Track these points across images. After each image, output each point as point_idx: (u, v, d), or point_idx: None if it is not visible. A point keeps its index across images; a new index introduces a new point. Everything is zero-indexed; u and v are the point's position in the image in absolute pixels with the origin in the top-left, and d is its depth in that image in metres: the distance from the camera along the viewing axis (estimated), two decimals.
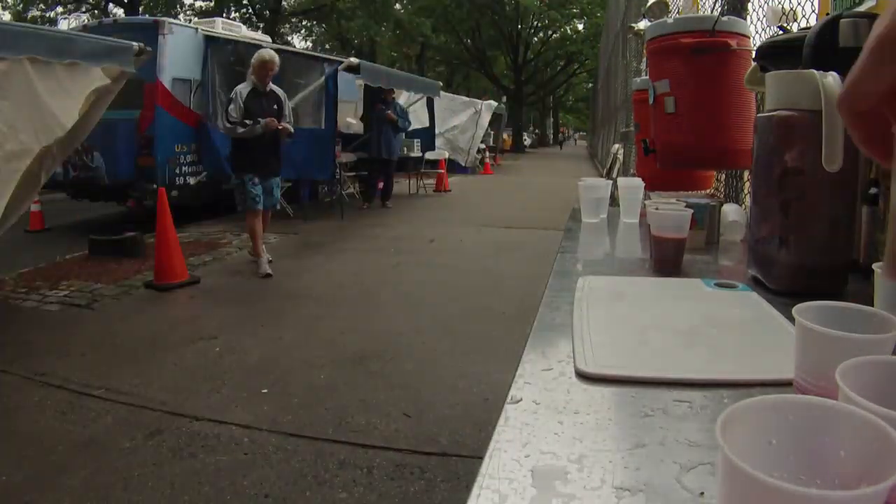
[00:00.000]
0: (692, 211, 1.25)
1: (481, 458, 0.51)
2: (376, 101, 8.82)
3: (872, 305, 0.69)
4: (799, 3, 1.71)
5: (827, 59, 1.03)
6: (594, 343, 0.77)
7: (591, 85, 38.17)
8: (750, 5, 2.13)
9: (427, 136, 11.23)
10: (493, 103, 16.18)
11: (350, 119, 9.36)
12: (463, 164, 15.13)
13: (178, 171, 7.27)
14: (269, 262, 5.16)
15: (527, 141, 39.14)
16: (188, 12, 23.27)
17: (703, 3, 2.80)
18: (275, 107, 5.00)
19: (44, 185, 4.18)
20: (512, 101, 33.27)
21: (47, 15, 21.11)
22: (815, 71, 0.92)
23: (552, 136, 54.29)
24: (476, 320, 3.91)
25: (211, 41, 7.63)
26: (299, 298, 4.41)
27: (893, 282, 0.40)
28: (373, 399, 2.76)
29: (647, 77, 2.11)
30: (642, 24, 3.13)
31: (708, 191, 2.44)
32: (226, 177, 7.67)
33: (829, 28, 1.06)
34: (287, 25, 26.54)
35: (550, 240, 2.33)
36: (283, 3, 24.71)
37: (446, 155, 12.80)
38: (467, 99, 16.13)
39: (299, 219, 7.75)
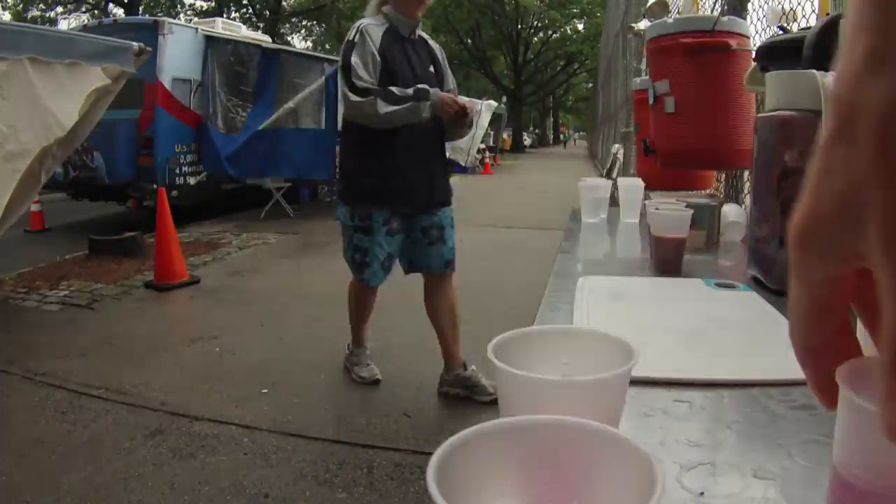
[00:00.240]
0: (692, 211, 1.25)
1: None
2: None
3: None
4: (799, 3, 1.71)
5: (827, 59, 1.03)
6: None
7: (591, 85, 38.17)
8: (750, 5, 2.13)
9: None
10: (494, 103, 16.17)
11: None
12: (463, 165, 15.11)
13: (178, 171, 7.27)
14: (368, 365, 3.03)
15: (527, 141, 39.16)
16: (188, 12, 23.29)
17: (703, 3, 2.80)
18: (431, 68, 2.61)
19: (44, 185, 4.17)
20: (512, 101, 33.28)
21: (47, 15, 21.13)
22: (815, 71, 0.92)
23: (552, 136, 54.34)
24: (476, 320, 3.90)
25: (211, 41, 7.63)
26: (299, 298, 4.41)
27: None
28: (373, 399, 2.76)
29: (647, 77, 2.11)
30: (642, 24, 3.13)
31: (708, 191, 2.44)
32: (226, 177, 7.72)
33: (829, 28, 1.06)
34: (287, 25, 26.55)
35: (550, 240, 2.34)
36: (283, 3, 24.72)
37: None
38: (467, 99, 16.09)
39: (299, 219, 7.75)
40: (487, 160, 17.29)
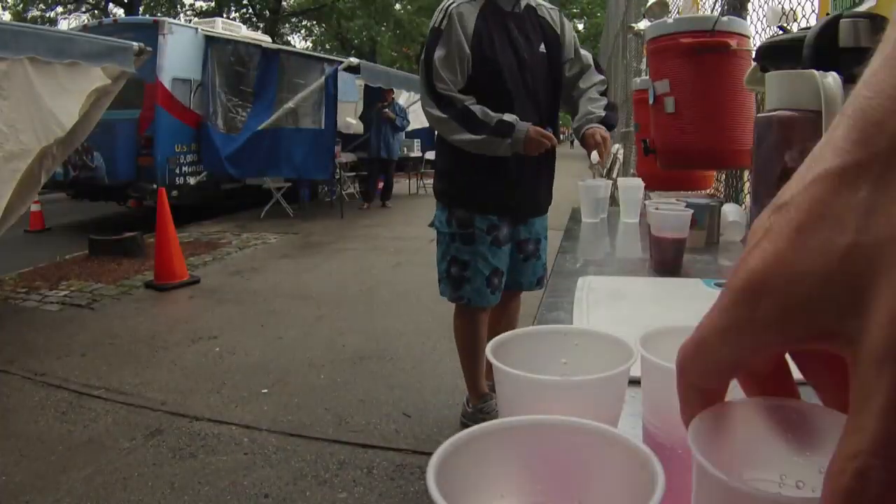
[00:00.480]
0: (692, 211, 1.25)
1: None
2: (376, 101, 8.82)
3: None
4: (799, 3, 1.71)
5: (827, 59, 1.03)
6: None
7: None
8: (750, 5, 2.13)
9: (427, 136, 11.23)
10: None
11: (350, 119, 9.36)
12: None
13: (178, 171, 7.28)
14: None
15: None
16: (188, 12, 23.28)
17: (703, 3, 2.80)
18: (542, 46, 2.14)
19: (44, 185, 4.18)
20: None
21: (47, 15, 21.11)
22: (815, 71, 0.92)
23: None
24: None
25: (211, 41, 7.64)
26: (299, 298, 4.41)
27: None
28: (373, 399, 2.76)
29: (647, 77, 2.11)
30: (642, 24, 3.13)
31: (708, 191, 2.44)
32: (226, 177, 7.73)
33: (829, 28, 1.06)
34: (287, 25, 26.55)
35: (550, 240, 2.33)
36: (283, 3, 24.71)
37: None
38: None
39: (299, 219, 7.75)
40: None
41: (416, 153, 10.80)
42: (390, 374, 3.05)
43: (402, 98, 9.96)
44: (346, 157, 8.79)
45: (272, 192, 8.02)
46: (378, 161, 8.85)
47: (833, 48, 1.05)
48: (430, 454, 0.30)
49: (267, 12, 23.66)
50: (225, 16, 20.21)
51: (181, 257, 4.76)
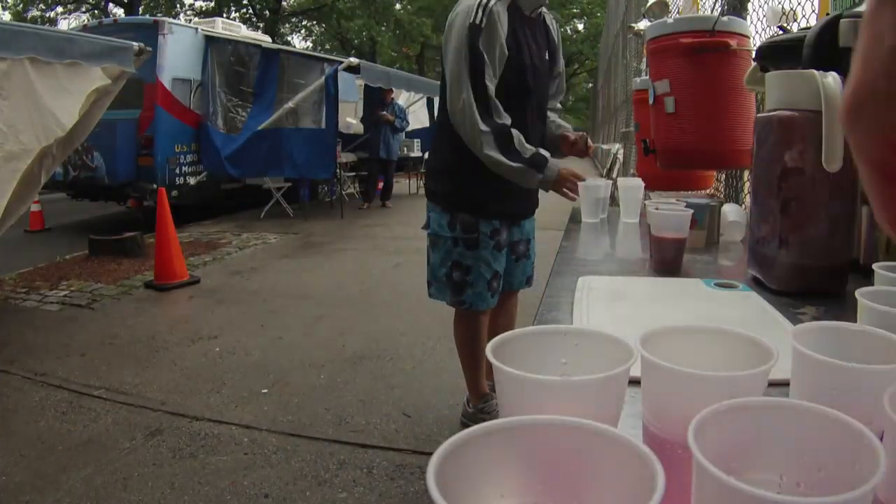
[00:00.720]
0: (692, 211, 1.25)
1: None
2: (376, 101, 8.82)
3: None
4: (799, 3, 1.71)
5: (827, 59, 1.03)
6: None
7: (590, 85, 38.14)
8: (750, 5, 2.13)
9: (427, 136, 11.23)
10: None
11: (350, 119, 9.35)
12: None
13: (178, 171, 7.28)
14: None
15: None
16: (188, 12, 23.27)
17: (703, 3, 2.80)
18: (546, 54, 2.15)
19: (44, 185, 4.18)
20: None
21: (47, 15, 21.11)
22: (815, 71, 0.92)
23: None
24: None
25: (211, 41, 7.64)
26: (299, 298, 4.41)
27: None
28: (373, 399, 2.76)
29: (647, 77, 2.11)
30: (642, 24, 3.13)
31: (708, 191, 2.44)
32: (226, 177, 7.73)
33: (829, 28, 1.06)
34: (287, 25, 26.54)
35: (550, 240, 2.33)
36: (283, 3, 24.71)
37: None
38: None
39: (299, 219, 7.75)
40: None
41: (416, 153, 10.78)
42: (390, 374, 3.05)
43: (402, 98, 9.95)
44: (345, 157, 8.78)
45: (272, 192, 8.02)
46: (378, 161, 8.84)
47: (833, 48, 1.05)
48: (430, 454, 0.30)
49: (267, 12, 23.65)
50: (225, 16, 20.21)
51: (181, 257, 4.76)
